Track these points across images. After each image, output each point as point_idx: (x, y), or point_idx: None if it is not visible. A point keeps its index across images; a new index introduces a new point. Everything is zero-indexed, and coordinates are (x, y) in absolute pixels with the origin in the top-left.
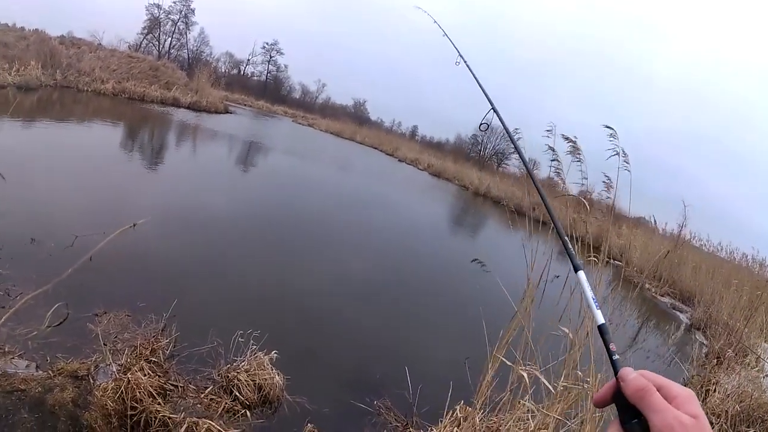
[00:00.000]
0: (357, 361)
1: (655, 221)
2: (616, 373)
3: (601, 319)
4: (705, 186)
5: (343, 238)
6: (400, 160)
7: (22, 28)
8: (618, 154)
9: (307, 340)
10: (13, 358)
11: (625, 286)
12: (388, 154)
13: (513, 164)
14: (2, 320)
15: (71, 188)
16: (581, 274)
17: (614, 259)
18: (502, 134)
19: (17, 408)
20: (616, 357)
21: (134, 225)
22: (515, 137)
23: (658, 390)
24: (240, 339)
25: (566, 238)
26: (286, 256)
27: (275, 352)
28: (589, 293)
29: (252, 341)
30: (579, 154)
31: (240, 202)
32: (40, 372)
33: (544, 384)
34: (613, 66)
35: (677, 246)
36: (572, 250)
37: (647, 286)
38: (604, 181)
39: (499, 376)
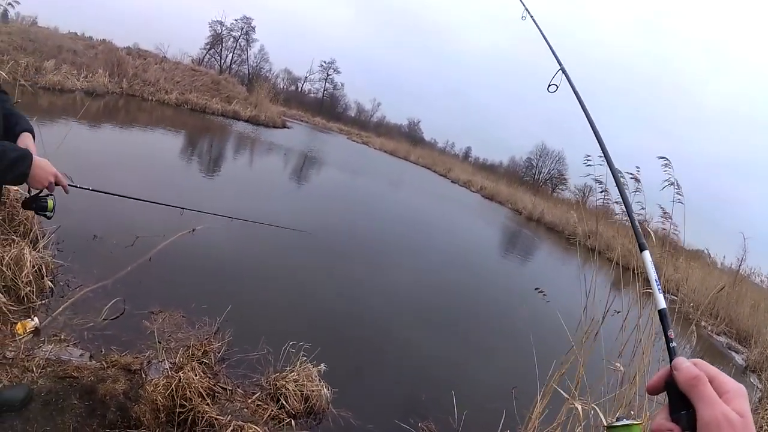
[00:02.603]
0: (404, 381)
1: (710, 254)
2: (671, 360)
3: (662, 303)
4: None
5: (397, 255)
6: (452, 181)
7: (90, 38)
8: (673, 184)
9: (357, 356)
10: (68, 345)
11: (681, 322)
12: (440, 175)
13: (569, 190)
14: (60, 309)
15: (134, 190)
16: (646, 254)
17: (670, 293)
18: (557, 158)
19: (68, 394)
20: (673, 344)
21: (193, 230)
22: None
23: (710, 381)
24: (291, 349)
25: (634, 215)
26: (339, 271)
27: (324, 365)
28: (653, 275)
29: (302, 352)
30: (638, 184)
31: (295, 212)
32: (94, 362)
33: (596, 419)
34: (671, 88)
35: (735, 282)
36: (638, 227)
37: (703, 323)
38: (661, 216)
39: (548, 409)
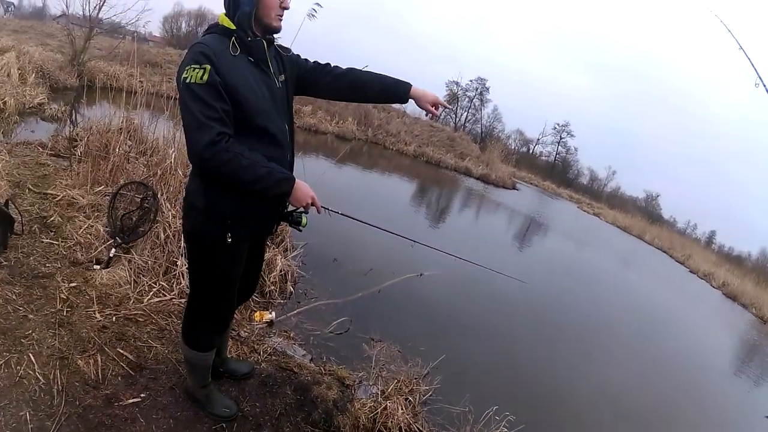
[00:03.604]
0: None
1: None
2: None
3: None
4: None
5: (616, 345)
6: (691, 271)
7: None
8: None
9: None
10: (294, 344)
11: None
12: (678, 261)
13: None
14: (295, 312)
15: (369, 230)
16: None
17: None
18: None
19: (284, 383)
20: None
21: (421, 274)
22: None
23: None
24: (495, 416)
25: None
26: (559, 348)
27: None
28: None
29: (505, 423)
30: None
31: (530, 278)
32: (313, 365)
33: None
34: None
35: None
36: None
37: None
38: None
39: None
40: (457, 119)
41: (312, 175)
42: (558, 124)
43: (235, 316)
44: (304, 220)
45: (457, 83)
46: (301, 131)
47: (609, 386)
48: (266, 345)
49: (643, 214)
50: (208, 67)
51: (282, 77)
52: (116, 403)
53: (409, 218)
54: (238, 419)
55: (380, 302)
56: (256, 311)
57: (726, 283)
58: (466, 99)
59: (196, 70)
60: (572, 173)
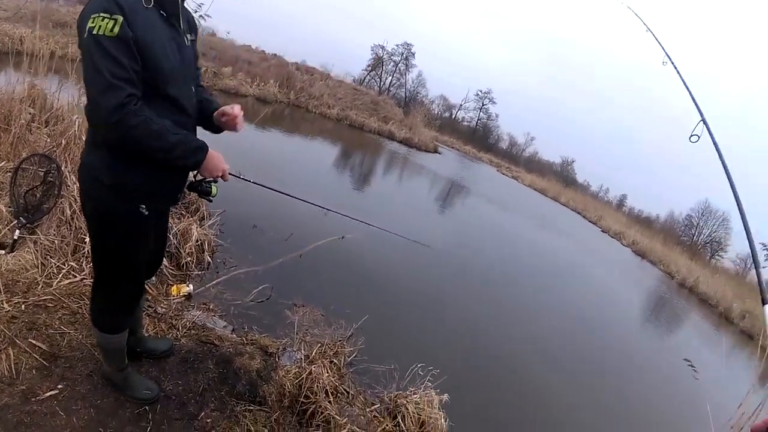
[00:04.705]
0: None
1: None
2: None
3: None
4: None
5: (539, 299)
6: (602, 231)
7: (263, 51)
8: None
9: (482, 394)
10: (214, 315)
11: None
12: (590, 222)
13: (729, 257)
14: (213, 282)
15: (295, 191)
16: (766, 309)
17: None
18: (721, 220)
19: (206, 357)
20: None
21: (343, 237)
22: None
23: None
24: (419, 371)
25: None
26: (480, 304)
27: (447, 396)
28: None
29: (429, 377)
30: None
31: (442, 235)
32: (235, 336)
33: None
34: None
35: None
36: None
37: None
38: None
39: None
40: (382, 83)
41: (228, 141)
42: (480, 91)
43: (151, 291)
44: (214, 190)
45: (382, 47)
46: (220, 94)
47: (530, 336)
48: (185, 319)
49: (559, 178)
50: (120, 18)
51: (190, 36)
52: (33, 399)
53: (331, 183)
54: (161, 400)
55: (302, 267)
56: (172, 285)
57: (635, 242)
58: (392, 63)
59: (106, 21)
60: (493, 138)
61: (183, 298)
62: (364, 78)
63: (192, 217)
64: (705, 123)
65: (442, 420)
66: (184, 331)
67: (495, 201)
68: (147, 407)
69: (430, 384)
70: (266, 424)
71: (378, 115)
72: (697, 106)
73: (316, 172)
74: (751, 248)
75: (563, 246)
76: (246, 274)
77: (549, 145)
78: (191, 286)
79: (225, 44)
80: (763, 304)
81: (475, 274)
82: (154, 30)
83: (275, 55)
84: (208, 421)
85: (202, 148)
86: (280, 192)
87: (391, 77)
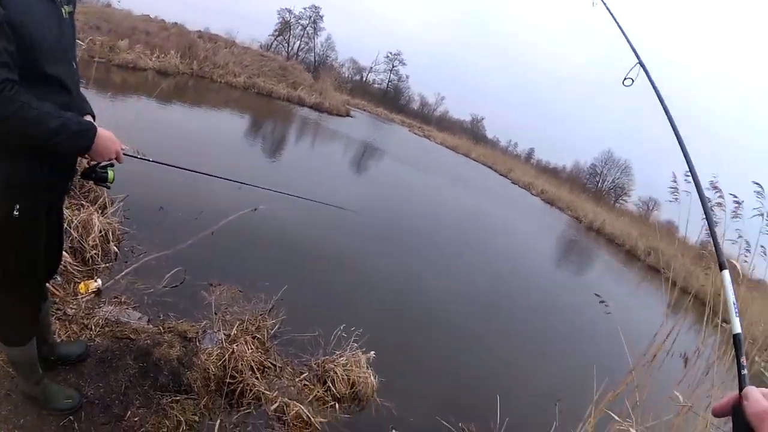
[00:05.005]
0: (448, 378)
1: None
2: (741, 387)
3: (738, 328)
4: None
5: (453, 251)
6: (512, 182)
7: (163, 20)
8: (762, 215)
9: (403, 348)
10: (127, 308)
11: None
12: (501, 175)
13: (632, 201)
14: (123, 273)
15: (202, 167)
16: (726, 274)
17: (726, 322)
18: (623, 167)
19: (123, 354)
20: (744, 372)
21: (255, 209)
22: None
23: None
24: (343, 334)
25: (715, 230)
26: (397, 262)
27: (373, 353)
28: (731, 296)
29: (354, 338)
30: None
31: (357, 198)
32: (151, 326)
33: None
34: None
35: None
36: (721, 246)
37: (756, 359)
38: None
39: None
40: (290, 48)
41: (124, 119)
42: (390, 53)
43: (57, 292)
44: (110, 175)
45: (289, 11)
46: (117, 69)
47: (453, 287)
48: (97, 317)
49: (470, 135)
50: None
51: (69, 8)
52: None
53: (242, 156)
54: (84, 406)
55: (215, 245)
56: (79, 282)
57: (544, 191)
58: (299, 27)
59: None
60: (404, 99)
61: (92, 295)
62: (271, 43)
63: (92, 206)
64: (642, 65)
65: (372, 377)
66: (98, 329)
67: (409, 161)
68: (71, 417)
69: (355, 344)
70: (195, 412)
71: (287, 81)
72: (633, 48)
73: (224, 145)
74: (703, 205)
75: (476, 200)
76: (157, 259)
77: (459, 104)
78: (99, 281)
79: (120, 15)
80: (721, 269)
81: (393, 234)
82: (29, 5)
83: (176, 23)
84: (136, 419)
85: (90, 129)
86: (184, 169)
87: (299, 42)
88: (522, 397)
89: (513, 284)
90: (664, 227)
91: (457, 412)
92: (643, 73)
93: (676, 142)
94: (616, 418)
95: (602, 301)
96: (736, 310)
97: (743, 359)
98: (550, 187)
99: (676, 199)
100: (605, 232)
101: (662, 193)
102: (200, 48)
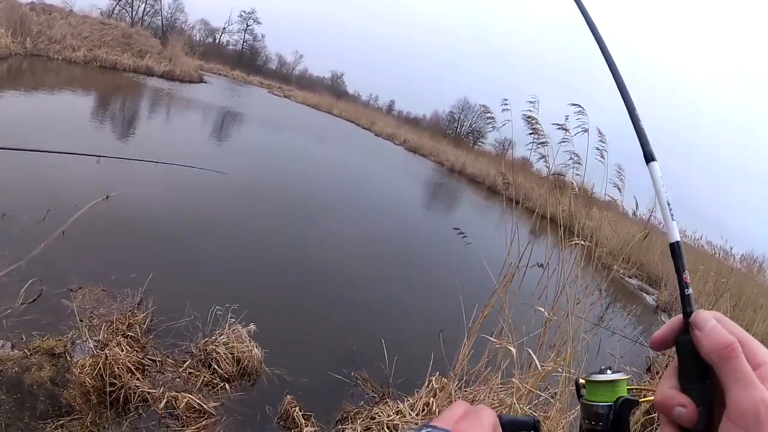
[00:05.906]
0: (334, 333)
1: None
2: (686, 312)
3: (676, 236)
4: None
5: (322, 207)
6: (376, 135)
7: None
8: (587, 131)
9: (284, 312)
10: None
11: (596, 266)
12: (364, 128)
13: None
14: None
15: (42, 161)
16: (654, 166)
17: (586, 240)
18: (478, 113)
19: None
20: (689, 291)
21: (107, 197)
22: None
23: None
24: (218, 312)
25: (640, 121)
26: (270, 224)
27: (253, 325)
28: (664, 195)
29: (230, 314)
30: (537, 126)
31: (224, 165)
32: (16, 351)
33: (517, 358)
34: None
35: (646, 230)
36: (646, 135)
37: (615, 267)
38: (571, 158)
39: (473, 350)
40: (134, 13)
41: None
42: (244, 12)
43: None
44: None
45: None
46: None
47: (325, 242)
48: None
49: (331, 92)
50: None
51: None
52: None
53: (91, 136)
54: None
55: (68, 245)
56: None
57: (407, 140)
58: None
59: None
60: (261, 60)
61: None
62: (113, 9)
63: None
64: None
65: (256, 349)
66: None
67: (271, 123)
68: None
69: (233, 320)
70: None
71: (132, 50)
72: None
73: (67, 130)
74: (628, 106)
75: (344, 155)
76: (8, 275)
77: (319, 61)
78: None
79: None
80: (648, 161)
81: (265, 197)
82: None
83: None
84: None
85: None
86: (24, 150)
87: (143, 5)
88: (406, 337)
89: (388, 231)
90: (520, 164)
91: (349, 364)
92: None
93: None
94: (490, 338)
95: (460, 233)
96: (672, 213)
97: (686, 275)
98: (412, 136)
99: (494, 127)
100: (467, 173)
101: (518, 134)
102: (33, 22)
